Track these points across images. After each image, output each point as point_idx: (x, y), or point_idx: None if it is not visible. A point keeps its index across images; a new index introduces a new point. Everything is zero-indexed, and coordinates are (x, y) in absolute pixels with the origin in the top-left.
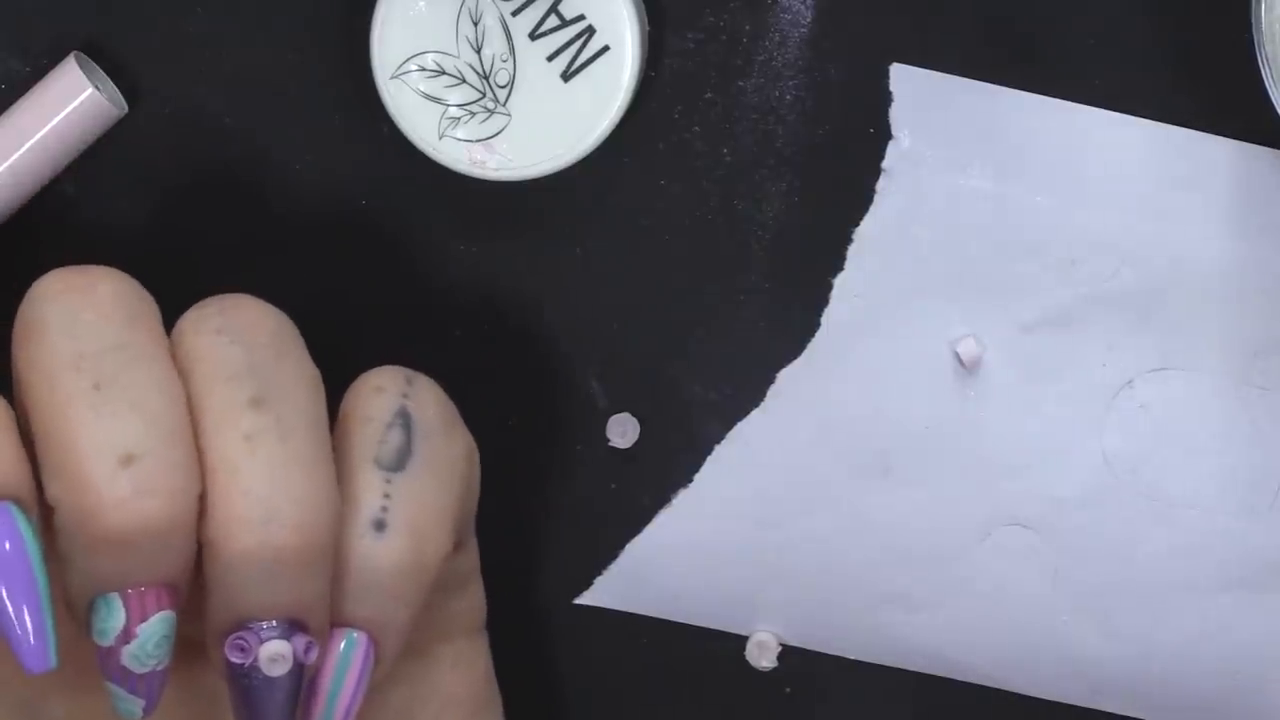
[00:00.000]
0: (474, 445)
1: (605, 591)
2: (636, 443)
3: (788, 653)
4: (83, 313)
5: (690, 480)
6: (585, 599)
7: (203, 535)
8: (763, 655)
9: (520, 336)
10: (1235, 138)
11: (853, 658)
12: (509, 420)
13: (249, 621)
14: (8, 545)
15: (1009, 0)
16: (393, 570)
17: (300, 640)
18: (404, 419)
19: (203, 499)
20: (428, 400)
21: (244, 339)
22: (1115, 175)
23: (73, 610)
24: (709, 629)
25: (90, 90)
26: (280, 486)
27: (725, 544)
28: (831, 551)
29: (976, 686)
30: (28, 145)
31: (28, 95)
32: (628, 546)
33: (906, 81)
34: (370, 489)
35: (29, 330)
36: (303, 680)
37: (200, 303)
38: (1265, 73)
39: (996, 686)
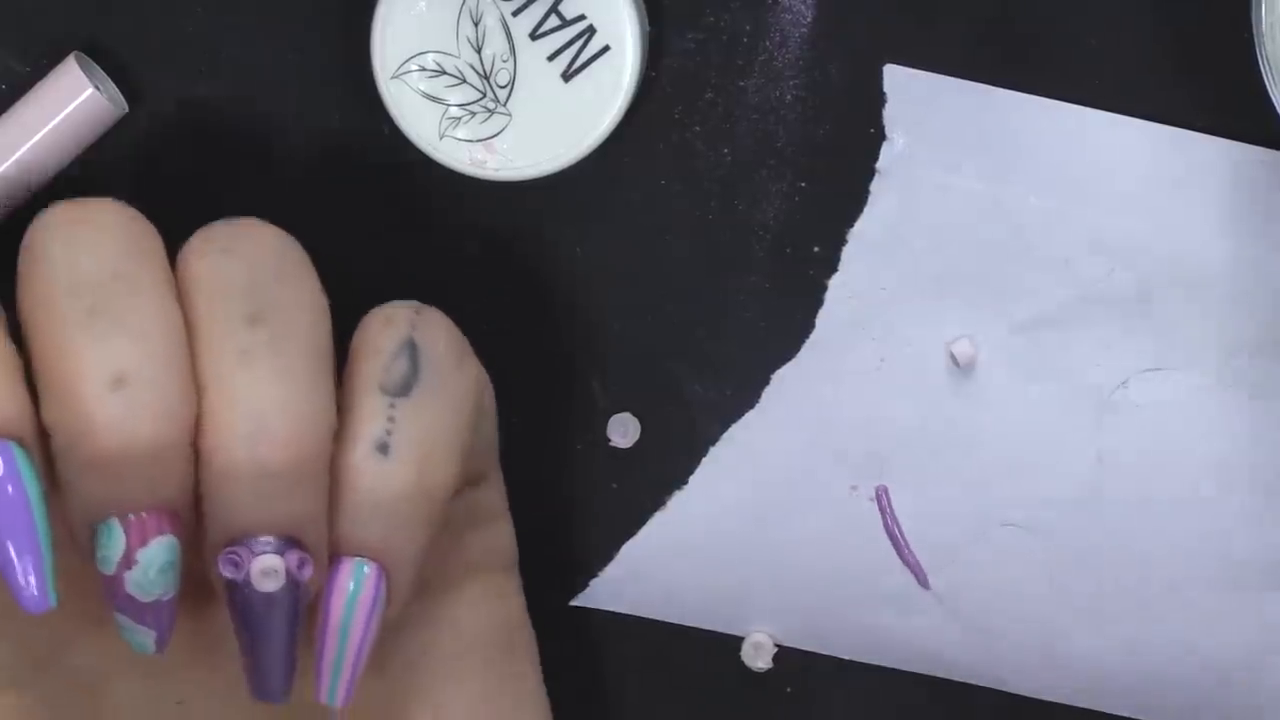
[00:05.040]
0: (486, 378)
1: (601, 593)
2: (636, 443)
3: (784, 653)
4: (82, 241)
5: (685, 481)
6: (581, 600)
7: (198, 451)
8: (758, 656)
9: (520, 336)
10: (1234, 138)
11: (848, 658)
12: (509, 419)
13: (242, 537)
14: (10, 489)
15: (1009, 0)
16: (398, 493)
17: (294, 555)
18: (410, 349)
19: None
20: (436, 331)
21: (247, 259)
22: (1112, 175)
23: (76, 541)
24: (705, 630)
25: (90, 90)
26: (270, 401)
27: (721, 545)
28: (827, 552)
29: (972, 687)
30: (28, 145)
31: (28, 95)
32: (623, 548)
33: (900, 82)
34: (374, 414)
35: (30, 257)
36: (300, 600)
37: (207, 225)
38: (1265, 73)
39: (992, 687)
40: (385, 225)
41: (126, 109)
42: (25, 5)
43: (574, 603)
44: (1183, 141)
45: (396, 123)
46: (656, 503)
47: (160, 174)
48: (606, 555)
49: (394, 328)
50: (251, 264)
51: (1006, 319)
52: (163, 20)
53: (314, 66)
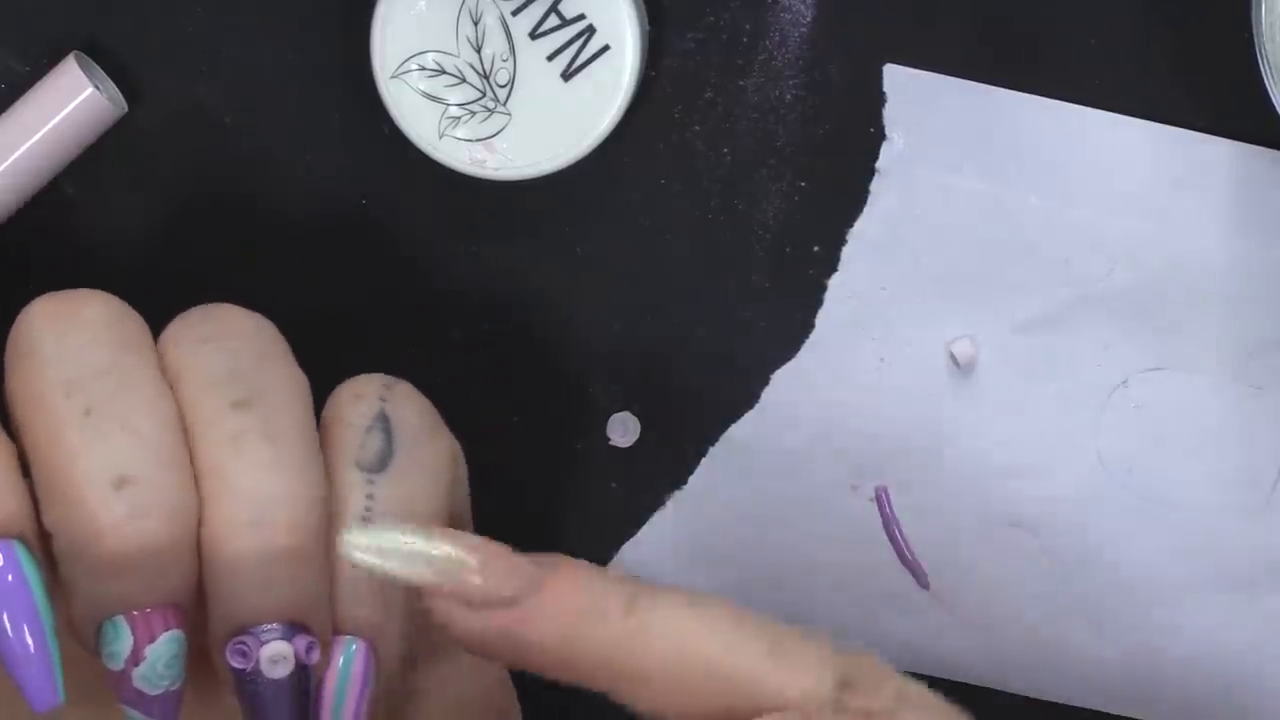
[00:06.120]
0: (458, 447)
1: None
2: (636, 442)
3: None
4: (70, 338)
5: (685, 481)
6: None
7: (199, 541)
8: None
9: (520, 336)
10: (1235, 138)
11: None
12: (510, 420)
13: (249, 626)
14: (15, 589)
15: (1009, 0)
16: None
17: (301, 641)
18: (383, 423)
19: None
20: (407, 405)
21: (226, 345)
22: (1112, 175)
23: (80, 637)
24: None
25: (90, 90)
26: (269, 487)
27: (721, 545)
28: (827, 552)
29: (972, 687)
30: (28, 145)
31: (28, 95)
32: (621, 549)
33: (899, 82)
34: (353, 490)
35: (19, 357)
36: (309, 683)
37: (182, 314)
38: (1265, 73)
39: (992, 687)
40: (385, 225)
41: (126, 109)
42: (25, 5)
43: None
44: (1183, 141)
45: (396, 122)
46: (656, 503)
47: (160, 174)
48: (606, 555)
49: (365, 402)
50: (232, 349)
51: (1007, 319)
52: (163, 20)
53: (314, 66)
